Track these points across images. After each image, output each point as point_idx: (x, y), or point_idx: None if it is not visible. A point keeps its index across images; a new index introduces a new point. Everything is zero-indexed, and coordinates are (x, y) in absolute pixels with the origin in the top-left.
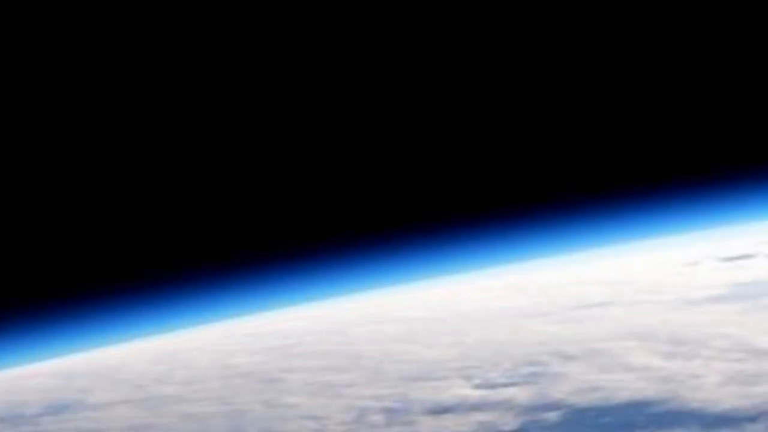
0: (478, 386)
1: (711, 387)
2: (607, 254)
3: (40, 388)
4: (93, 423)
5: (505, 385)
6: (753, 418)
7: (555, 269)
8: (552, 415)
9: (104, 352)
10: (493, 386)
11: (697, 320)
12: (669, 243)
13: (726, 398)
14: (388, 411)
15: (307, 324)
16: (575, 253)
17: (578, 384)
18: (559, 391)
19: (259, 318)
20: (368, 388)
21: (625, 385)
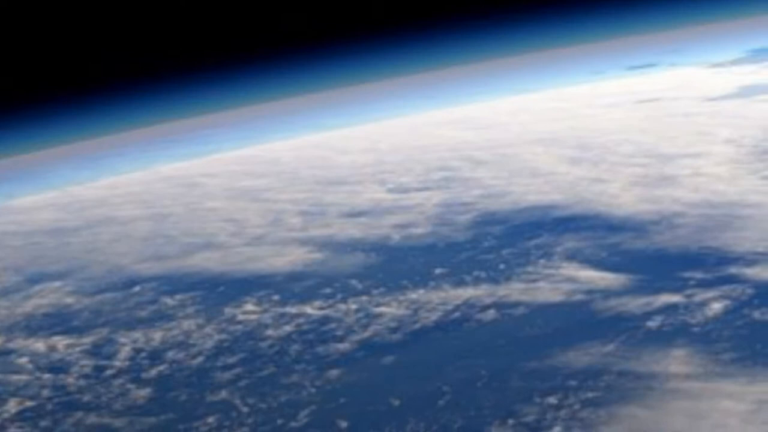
0: (391, 190)
1: (616, 191)
2: (521, 63)
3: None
4: (17, 225)
5: (418, 190)
6: (656, 222)
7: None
8: (463, 218)
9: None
10: (405, 190)
11: (603, 127)
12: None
13: (630, 202)
14: (305, 214)
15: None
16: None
17: (488, 188)
18: (470, 195)
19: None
20: (285, 193)
21: (532, 190)
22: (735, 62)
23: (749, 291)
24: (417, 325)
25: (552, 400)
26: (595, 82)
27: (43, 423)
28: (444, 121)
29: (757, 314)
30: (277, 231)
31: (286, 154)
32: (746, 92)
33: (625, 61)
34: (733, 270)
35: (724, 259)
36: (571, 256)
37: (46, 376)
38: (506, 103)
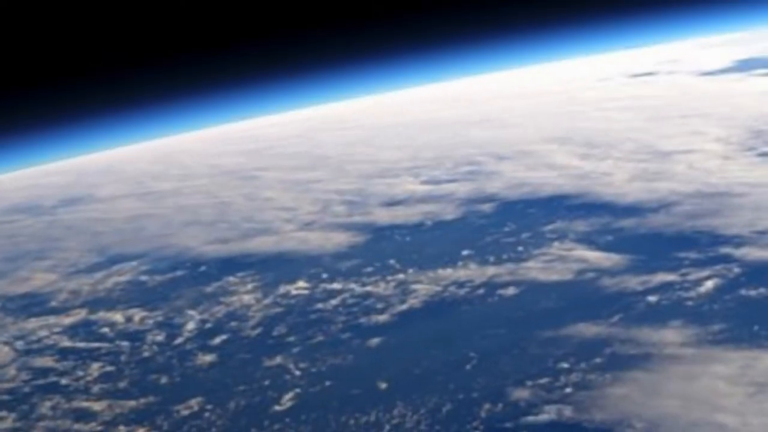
0: (424, 182)
1: (620, 183)
2: (532, 70)
3: (55, 184)
4: (101, 213)
5: (448, 182)
6: (655, 209)
7: (487, 83)
8: (487, 207)
9: (110, 153)
10: (437, 182)
11: (609, 127)
12: (583, 61)
13: (632, 192)
14: (349, 203)
15: (280, 129)
16: (503, 69)
17: (509, 180)
18: (493, 187)
19: (240, 124)
20: (332, 184)
21: (548, 182)
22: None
23: (737, 270)
24: (448, 299)
25: (564, 365)
26: (602, 88)
27: None
28: (441, 97)
29: (744, 291)
30: (325, 217)
31: (329, 140)
32: (743, 66)
33: (628, 69)
34: (724, 251)
35: (716, 240)
36: (581, 239)
37: (124, 343)
38: (504, 80)
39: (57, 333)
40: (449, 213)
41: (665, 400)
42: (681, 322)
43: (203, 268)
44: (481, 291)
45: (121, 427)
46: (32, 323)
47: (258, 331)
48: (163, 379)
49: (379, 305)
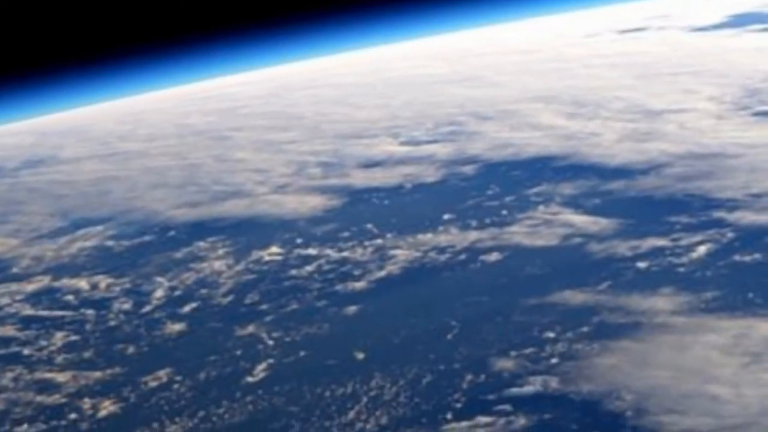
0: (403, 143)
1: (608, 144)
2: (516, 26)
3: (17, 145)
4: (65, 175)
5: (428, 143)
6: (645, 171)
7: (470, 39)
8: (469, 169)
9: (74, 113)
10: (417, 143)
11: (596, 85)
12: (571, 17)
13: (621, 153)
14: (325, 164)
15: (253, 88)
16: (486, 24)
17: (492, 141)
18: (475, 148)
19: (209, 82)
20: (307, 145)
21: (532, 142)
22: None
23: (731, 235)
24: (428, 265)
25: (550, 334)
26: (590, 45)
27: None
28: (421, 53)
29: (738, 257)
30: (299, 179)
31: (303, 99)
32: (737, 22)
33: (617, 24)
34: (717, 214)
35: (709, 204)
36: (568, 203)
37: (89, 311)
38: (487, 36)
39: (19, 301)
40: (429, 175)
41: (656, 370)
42: (672, 290)
43: (172, 232)
44: (462, 257)
45: (86, 399)
46: None
47: (229, 298)
48: (130, 349)
49: (356, 272)
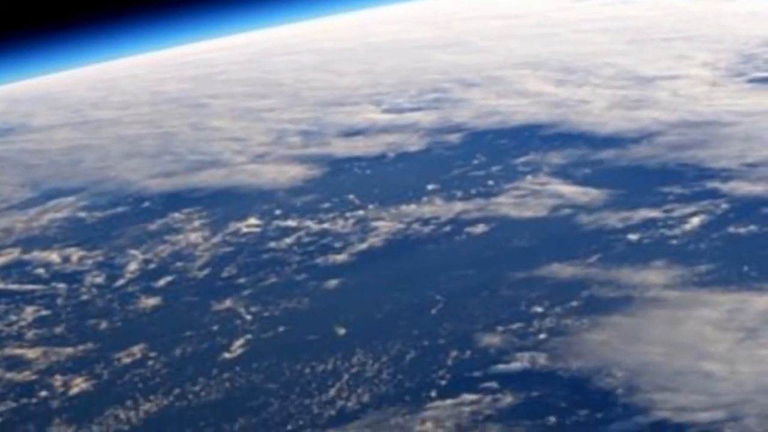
0: (386, 111)
1: (598, 112)
2: None
3: None
4: (36, 144)
5: (411, 110)
6: (636, 140)
7: (456, 3)
8: (454, 137)
9: (45, 79)
10: (400, 111)
11: (586, 51)
12: None
13: (612, 121)
14: (305, 133)
15: (231, 53)
16: None
17: (478, 109)
18: (461, 115)
19: (185, 48)
20: (286, 113)
21: (520, 110)
22: None
23: (725, 206)
24: (412, 237)
25: (538, 308)
26: (579, 9)
27: None
28: (404, 18)
29: (732, 228)
30: (279, 149)
31: (282, 66)
32: None
33: None
34: (711, 185)
35: (703, 174)
36: (556, 173)
37: (61, 285)
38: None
39: None
40: (413, 144)
41: (647, 346)
42: (664, 263)
43: (146, 203)
44: (447, 228)
45: (58, 376)
46: None
47: (206, 272)
48: (103, 324)
49: (337, 244)
